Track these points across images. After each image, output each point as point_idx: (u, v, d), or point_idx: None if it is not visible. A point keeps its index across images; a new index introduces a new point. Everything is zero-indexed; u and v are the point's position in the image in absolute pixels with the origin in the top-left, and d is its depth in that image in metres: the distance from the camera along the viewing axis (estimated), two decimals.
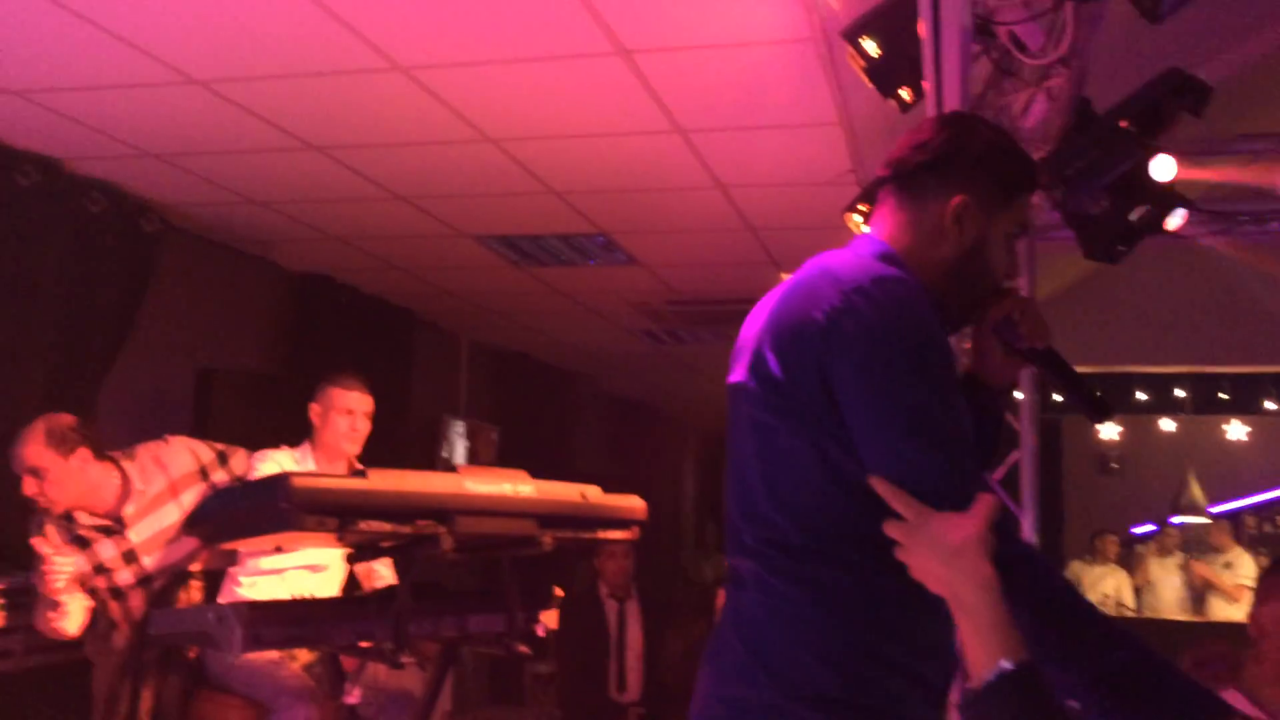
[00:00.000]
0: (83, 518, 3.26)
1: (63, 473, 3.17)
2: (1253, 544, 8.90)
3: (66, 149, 4.07)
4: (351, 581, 3.57)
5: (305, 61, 3.30)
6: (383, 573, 3.46)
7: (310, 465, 3.47)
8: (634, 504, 2.64)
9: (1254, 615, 2.43)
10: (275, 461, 3.41)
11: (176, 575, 3.37)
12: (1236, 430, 9.55)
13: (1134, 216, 2.99)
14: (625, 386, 10.26)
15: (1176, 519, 8.78)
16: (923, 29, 2.53)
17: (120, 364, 4.50)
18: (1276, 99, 4.24)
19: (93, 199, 4.31)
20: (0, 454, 3.29)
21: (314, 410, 3.52)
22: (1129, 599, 8.03)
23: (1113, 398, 7.70)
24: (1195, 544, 8.65)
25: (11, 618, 3.30)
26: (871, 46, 2.72)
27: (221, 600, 3.37)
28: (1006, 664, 1.21)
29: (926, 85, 2.58)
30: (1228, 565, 7.90)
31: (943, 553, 1.29)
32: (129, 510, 3.31)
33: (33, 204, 4.04)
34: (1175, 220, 3.08)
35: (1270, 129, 3.80)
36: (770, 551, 1.44)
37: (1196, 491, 8.92)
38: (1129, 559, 8.55)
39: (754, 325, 1.55)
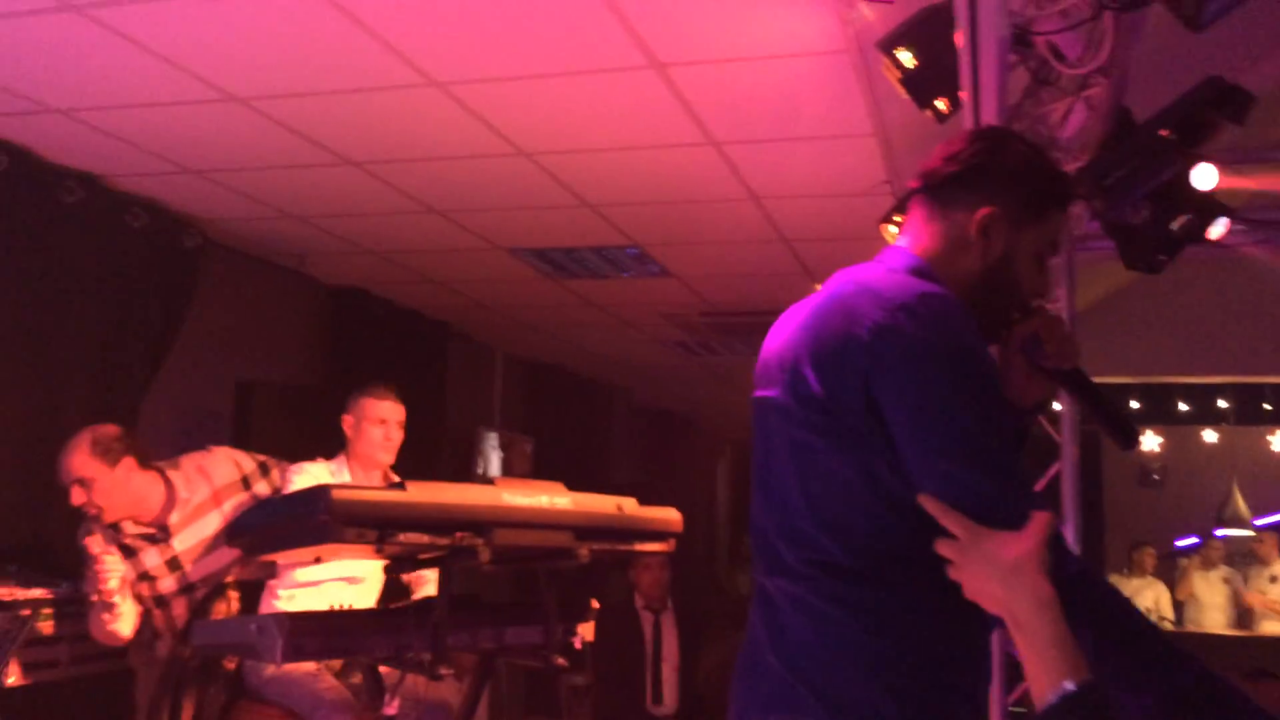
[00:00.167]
0: (128, 526, 3.31)
1: (109, 482, 3.22)
2: None
3: (108, 166, 4.13)
4: (388, 593, 3.59)
5: (342, 78, 3.34)
6: (430, 579, 3.47)
7: (345, 477, 3.49)
8: (670, 516, 2.64)
9: None
10: (310, 474, 3.44)
11: (216, 587, 3.41)
12: None
13: (1175, 226, 2.95)
14: (659, 398, 10.24)
15: (1221, 532, 8.64)
16: (959, 39, 2.51)
17: (161, 378, 4.56)
18: None
19: (134, 215, 4.38)
20: (46, 466, 3.35)
21: (347, 422, 3.55)
22: (1168, 611, 7.91)
23: (1154, 408, 7.61)
24: (1240, 557, 8.49)
25: (57, 627, 3.34)
26: (907, 57, 2.70)
27: (261, 612, 3.41)
28: (1070, 685, 1.17)
29: (963, 96, 2.56)
30: (1274, 579, 7.76)
31: (999, 571, 1.26)
32: (174, 518, 3.35)
33: (76, 220, 4.11)
34: (1218, 229, 3.03)
35: None
36: (815, 573, 1.42)
37: (1241, 503, 8.76)
38: (1168, 571, 8.41)
39: (779, 339, 1.53)
